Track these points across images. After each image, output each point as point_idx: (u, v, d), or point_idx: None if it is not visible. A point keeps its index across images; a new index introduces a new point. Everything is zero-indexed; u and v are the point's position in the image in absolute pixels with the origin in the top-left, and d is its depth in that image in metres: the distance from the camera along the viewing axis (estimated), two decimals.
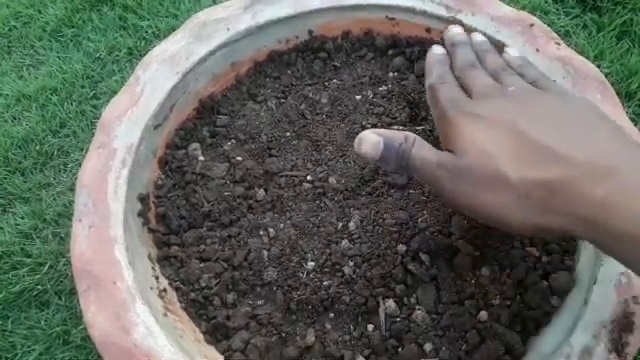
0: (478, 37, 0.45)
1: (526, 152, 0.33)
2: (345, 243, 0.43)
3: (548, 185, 0.31)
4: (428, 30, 0.52)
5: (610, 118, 0.35)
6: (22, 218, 0.69)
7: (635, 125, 0.44)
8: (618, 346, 0.36)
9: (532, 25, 0.49)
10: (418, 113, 0.50)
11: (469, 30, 0.49)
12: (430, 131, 0.48)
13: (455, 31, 0.46)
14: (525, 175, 0.32)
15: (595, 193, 0.30)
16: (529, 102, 0.36)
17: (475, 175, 0.34)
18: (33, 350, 0.61)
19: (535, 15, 0.75)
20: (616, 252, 0.31)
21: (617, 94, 0.45)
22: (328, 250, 0.43)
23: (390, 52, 0.53)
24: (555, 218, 0.32)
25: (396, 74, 0.52)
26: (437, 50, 0.44)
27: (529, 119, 0.34)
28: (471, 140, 0.34)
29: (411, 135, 0.37)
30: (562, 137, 0.33)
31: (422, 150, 0.36)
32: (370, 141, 0.37)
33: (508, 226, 0.33)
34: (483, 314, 0.40)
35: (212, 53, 0.49)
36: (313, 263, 0.43)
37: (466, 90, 0.39)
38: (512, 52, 0.43)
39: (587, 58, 0.46)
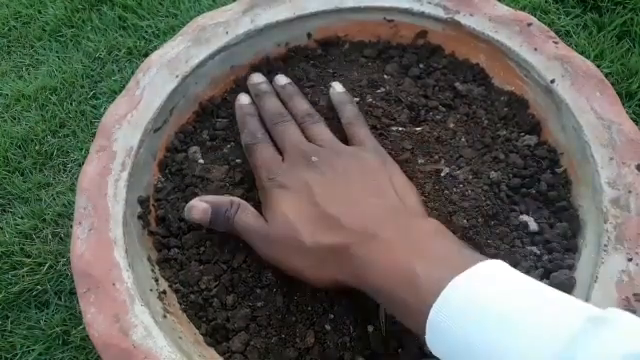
0: (281, 80, 0.50)
1: (319, 221, 0.39)
2: None
3: (334, 249, 0.37)
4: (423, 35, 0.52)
5: (390, 176, 0.42)
6: (22, 218, 0.69)
7: (635, 125, 0.44)
8: None
9: (530, 24, 0.49)
10: (417, 114, 0.50)
11: (468, 31, 0.50)
12: (429, 132, 0.48)
13: (256, 80, 0.50)
14: (318, 241, 0.38)
15: (361, 254, 0.36)
16: (327, 171, 0.42)
17: (282, 242, 0.40)
18: (33, 350, 0.61)
19: (535, 15, 0.75)
20: (380, 301, 0.37)
21: (617, 94, 0.45)
22: None
23: (383, 57, 0.53)
24: (342, 275, 0.37)
25: (392, 78, 0.52)
26: (243, 100, 0.48)
27: (325, 189, 0.40)
28: (279, 211, 0.40)
29: (236, 201, 0.43)
30: (347, 207, 0.39)
31: (244, 216, 0.42)
32: (200, 208, 0.42)
33: (312, 283, 0.40)
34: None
35: (211, 57, 0.49)
36: None
37: (277, 144, 0.45)
38: (336, 87, 0.49)
39: (587, 58, 0.46)
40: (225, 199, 0.43)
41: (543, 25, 0.49)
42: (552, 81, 0.46)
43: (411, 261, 0.34)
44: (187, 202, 0.45)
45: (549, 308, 0.29)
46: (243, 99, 0.48)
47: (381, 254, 0.35)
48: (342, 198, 0.40)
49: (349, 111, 0.47)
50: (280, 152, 0.45)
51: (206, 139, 0.49)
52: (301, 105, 0.47)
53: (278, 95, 0.49)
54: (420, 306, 0.31)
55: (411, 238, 0.36)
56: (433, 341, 0.31)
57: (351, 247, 0.37)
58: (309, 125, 0.46)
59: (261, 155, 0.44)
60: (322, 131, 0.45)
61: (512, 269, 0.32)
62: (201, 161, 0.48)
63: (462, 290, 0.30)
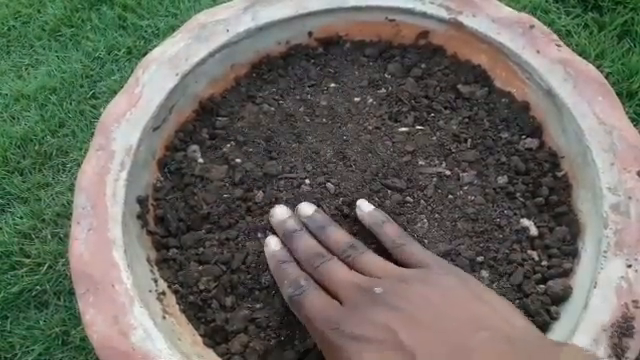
0: (307, 209, 0.43)
1: None
2: None
3: None
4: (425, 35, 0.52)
5: (485, 295, 0.34)
6: (21, 218, 0.69)
7: (635, 125, 0.44)
8: (618, 350, 0.36)
9: (533, 27, 0.49)
10: (419, 116, 0.49)
11: (470, 32, 0.49)
12: (431, 133, 0.48)
13: (280, 217, 0.43)
14: None
15: None
16: (401, 304, 0.34)
17: None
18: (32, 350, 0.61)
19: (536, 15, 0.75)
20: None
21: (618, 94, 0.45)
22: None
23: (385, 56, 0.53)
24: None
25: (393, 78, 0.52)
26: (273, 246, 0.41)
27: (412, 330, 0.32)
28: None
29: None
30: (450, 348, 0.31)
31: None
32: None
33: None
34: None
35: (211, 55, 0.49)
36: None
37: (326, 288, 0.37)
38: (364, 207, 0.43)
39: (588, 58, 0.46)
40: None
41: (546, 28, 0.49)
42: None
43: None
44: (186, 202, 0.45)
45: None
46: (273, 245, 0.41)
47: None
48: (438, 337, 0.32)
49: (391, 231, 0.41)
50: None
51: (206, 138, 0.49)
52: (338, 236, 0.40)
53: (307, 228, 0.42)
54: None
55: None
56: None
57: None
58: (355, 258, 0.38)
59: (312, 305, 0.36)
60: (373, 259, 0.38)
61: None
62: (200, 160, 0.48)
63: None
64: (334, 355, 0.34)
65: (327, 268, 0.38)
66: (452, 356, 0.30)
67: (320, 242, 0.40)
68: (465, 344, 0.31)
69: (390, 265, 0.38)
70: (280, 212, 0.43)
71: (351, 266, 0.38)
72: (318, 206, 0.44)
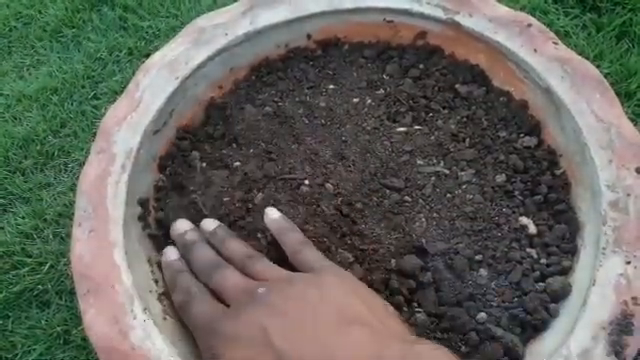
0: (209, 224, 0.43)
1: None
2: (344, 249, 0.43)
3: None
4: (422, 36, 0.52)
5: (357, 294, 0.35)
6: (23, 218, 0.70)
7: (635, 125, 0.44)
8: (617, 348, 0.36)
9: (530, 25, 0.49)
10: (417, 115, 0.50)
11: (468, 32, 0.49)
12: (429, 133, 0.48)
13: (180, 228, 0.43)
14: None
15: None
16: (278, 301, 0.34)
17: None
18: (34, 350, 0.61)
19: (534, 15, 0.75)
20: None
21: (616, 94, 0.45)
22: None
23: (383, 57, 0.53)
24: None
25: (391, 78, 0.52)
26: (170, 255, 0.42)
27: (282, 327, 0.32)
28: None
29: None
30: (315, 344, 0.31)
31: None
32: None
33: None
34: (482, 315, 0.41)
35: (211, 58, 0.49)
36: None
37: (220, 296, 0.38)
38: (270, 214, 0.43)
39: (586, 58, 0.46)
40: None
41: (543, 26, 0.49)
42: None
43: None
44: (187, 204, 0.46)
45: None
46: (169, 254, 0.42)
47: None
48: (308, 335, 0.32)
49: (292, 238, 0.41)
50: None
51: (206, 140, 0.50)
52: (237, 247, 0.41)
53: (209, 243, 0.42)
54: None
55: None
56: None
57: None
58: (250, 265, 0.39)
59: (198, 311, 0.37)
60: (267, 266, 0.39)
61: None
62: (201, 163, 0.48)
63: None
64: (207, 356, 0.34)
65: (221, 274, 0.38)
66: (311, 348, 0.31)
67: (219, 254, 0.41)
68: (328, 336, 0.32)
69: (283, 270, 0.38)
70: (180, 225, 0.43)
71: (246, 274, 0.38)
72: (317, 206, 0.44)
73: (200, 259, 0.40)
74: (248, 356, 0.32)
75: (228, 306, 0.36)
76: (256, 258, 0.39)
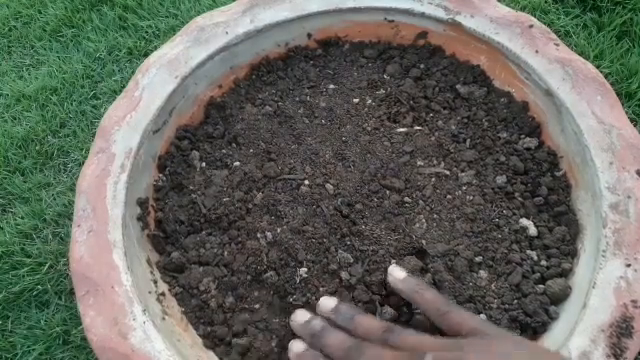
0: (328, 303, 0.40)
1: None
2: (344, 250, 0.43)
3: None
4: (423, 35, 0.52)
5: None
6: (22, 218, 0.69)
7: (635, 125, 0.44)
8: (617, 351, 0.36)
9: (531, 26, 0.49)
10: (418, 116, 0.49)
11: (469, 32, 0.49)
12: (429, 134, 0.48)
13: (301, 319, 0.39)
14: None
15: None
16: None
17: None
18: (33, 350, 0.61)
19: (535, 15, 0.75)
20: None
21: (617, 94, 0.45)
22: (325, 259, 0.43)
23: (384, 57, 0.53)
24: None
25: (392, 78, 0.52)
26: (299, 348, 0.38)
27: None
28: None
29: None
30: None
31: None
32: None
33: None
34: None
35: (211, 57, 0.49)
36: (307, 269, 0.42)
37: None
38: (395, 274, 0.40)
39: (587, 58, 0.46)
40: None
41: (544, 27, 0.49)
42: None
43: None
44: (186, 204, 0.45)
45: None
46: (297, 348, 0.38)
47: None
48: None
49: (434, 298, 0.37)
50: None
51: (206, 139, 0.49)
52: (370, 322, 0.37)
53: (335, 324, 0.39)
54: None
55: None
56: None
57: None
58: (392, 338, 0.35)
59: None
60: (416, 336, 0.35)
61: None
62: (200, 163, 0.48)
63: None
64: None
65: (371, 355, 0.35)
66: None
67: (350, 332, 0.37)
68: None
69: (431, 337, 0.35)
70: (301, 315, 0.40)
71: (394, 349, 0.35)
72: (317, 206, 0.44)
73: (337, 345, 0.36)
74: None
75: None
76: (395, 329, 0.36)
